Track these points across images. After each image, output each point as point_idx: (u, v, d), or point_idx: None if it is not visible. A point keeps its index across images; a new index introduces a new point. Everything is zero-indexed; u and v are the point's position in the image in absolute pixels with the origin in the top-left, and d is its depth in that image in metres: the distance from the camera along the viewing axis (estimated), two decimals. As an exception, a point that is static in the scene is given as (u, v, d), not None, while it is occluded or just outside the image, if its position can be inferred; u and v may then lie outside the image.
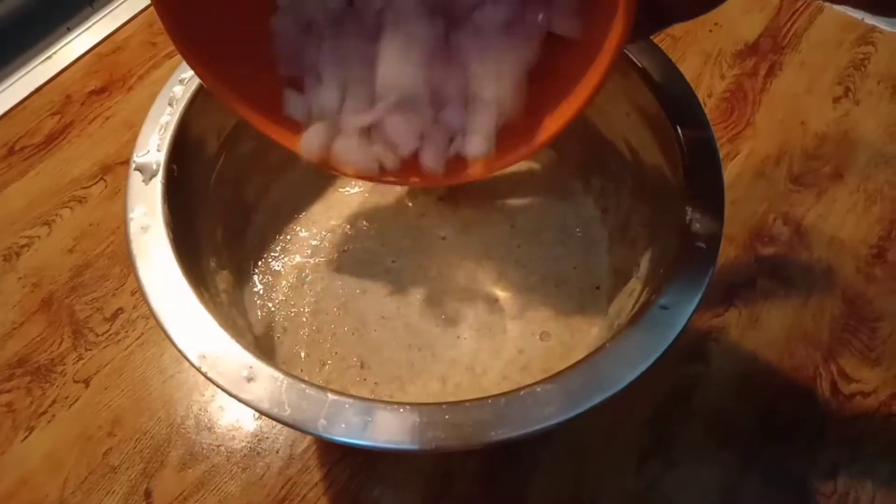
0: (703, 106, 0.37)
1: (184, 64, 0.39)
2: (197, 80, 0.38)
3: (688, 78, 0.38)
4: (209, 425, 0.45)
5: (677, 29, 0.64)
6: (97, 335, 0.49)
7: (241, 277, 0.44)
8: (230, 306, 0.40)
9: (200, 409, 0.46)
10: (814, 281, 0.50)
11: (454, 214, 0.48)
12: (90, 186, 0.57)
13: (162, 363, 0.48)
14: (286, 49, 0.36)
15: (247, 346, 0.30)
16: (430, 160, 0.36)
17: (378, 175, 0.37)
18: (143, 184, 0.35)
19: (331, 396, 0.28)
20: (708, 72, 0.62)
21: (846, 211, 0.53)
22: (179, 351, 0.30)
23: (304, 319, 0.44)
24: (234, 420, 0.45)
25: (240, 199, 0.46)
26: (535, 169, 0.50)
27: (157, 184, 0.35)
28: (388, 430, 0.28)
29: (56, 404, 0.46)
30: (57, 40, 0.66)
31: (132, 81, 0.63)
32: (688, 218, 0.34)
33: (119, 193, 0.56)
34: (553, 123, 0.34)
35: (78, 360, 0.48)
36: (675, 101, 0.37)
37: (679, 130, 0.36)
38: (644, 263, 0.39)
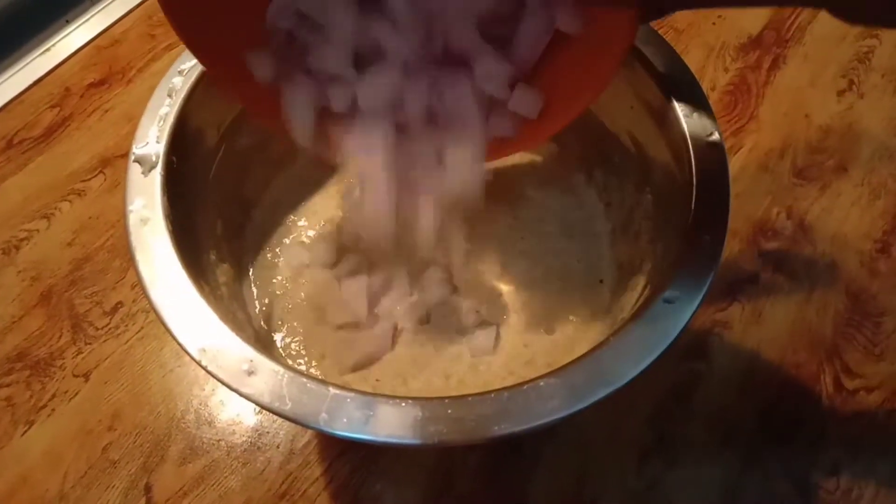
0: (707, 98, 0.37)
1: (183, 55, 0.39)
2: (196, 72, 0.38)
3: (692, 70, 0.38)
4: (209, 420, 0.45)
5: (680, 21, 0.63)
6: (97, 329, 0.49)
7: (241, 270, 0.44)
8: (230, 299, 0.39)
9: (200, 404, 0.46)
10: (817, 276, 0.49)
11: (456, 207, 0.47)
12: (89, 179, 0.56)
13: (162, 357, 0.47)
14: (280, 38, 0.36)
15: (247, 340, 0.30)
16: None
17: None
18: (142, 176, 0.35)
19: (332, 390, 0.28)
20: (711, 65, 0.61)
21: (850, 205, 0.53)
22: (180, 345, 0.30)
23: (304, 313, 0.43)
24: (234, 414, 0.45)
25: (239, 191, 0.45)
26: (537, 162, 0.50)
27: (157, 176, 0.35)
28: (389, 424, 0.27)
29: (56, 398, 0.46)
30: (56, 33, 0.66)
31: (131, 74, 0.63)
32: (692, 212, 0.33)
33: (118, 186, 0.56)
34: (558, 119, 0.34)
35: (77, 354, 0.48)
36: (679, 94, 0.37)
37: (684, 123, 0.36)
38: (648, 257, 0.39)
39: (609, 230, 0.46)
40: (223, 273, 0.40)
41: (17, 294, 0.51)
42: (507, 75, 0.35)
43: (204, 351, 0.29)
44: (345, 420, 0.28)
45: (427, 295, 0.42)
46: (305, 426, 0.29)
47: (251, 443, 0.44)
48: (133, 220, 0.33)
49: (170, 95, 0.37)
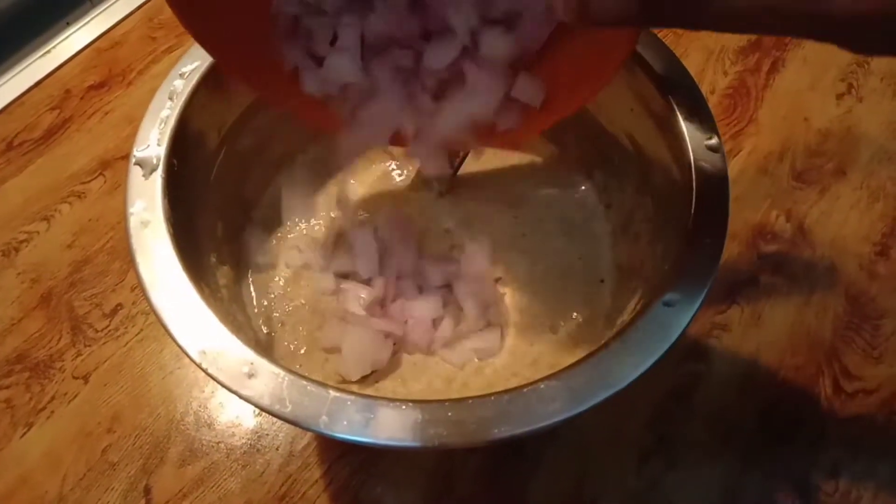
0: (706, 101, 0.37)
1: (184, 58, 0.39)
2: (197, 75, 0.38)
3: (690, 73, 0.38)
4: (209, 422, 0.45)
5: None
6: (96, 331, 0.49)
7: (241, 272, 0.44)
8: (230, 302, 0.39)
9: (200, 406, 0.46)
10: (816, 278, 0.49)
11: (456, 207, 0.47)
12: (89, 181, 0.56)
13: (161, 359, 0.47)
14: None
15: (247, 342, 0.30)
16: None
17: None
18: (143, 178, 0.35)
19: (332, 393, 0.28)
20: (711, 68, 0.61)
21: (849, 208, 0.53)
22: (180, 347, 0.30)
23: (304, 315, 0.43)
24: (233, 417, 0.45)
25: (240, 193, 0.46)
26: (537, 163, 0.50)
27: (158, 178, 0.35)
28: (389, 427, 0.27)
29: (55, 400, 0.46)
30: (56, 35, 0.66)
31: (131, 76, 0.63)
32: (691, 215, 0.33)
33: (118, 189, 0.56)
34: (557, 111, 0.34)
35: (77, 357, 0.48)
36: (679, 97, 0.37)
37: (683, 126, 0.36)
38: (647, 259, 0.39)
39: (609, 231, 0.46)
40: (223, 275, 0.40)
41: (17, 296, 0.51)
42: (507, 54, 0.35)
43: (204, 353, 0.29)
44: (345, 423, 0.28)
45: (430, 297, 0.42)
46: (306, 429, 0.29)
47: (251, 445, 0.44)
48: (134, 222, 0.33)
49: (171, 98, 0.37)
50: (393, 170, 0.50)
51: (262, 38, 0.35)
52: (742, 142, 0.56)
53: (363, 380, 0.40)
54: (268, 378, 0.29)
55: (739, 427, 0.44)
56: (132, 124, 0.59)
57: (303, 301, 0.44)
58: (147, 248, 0.33)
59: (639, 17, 0.24)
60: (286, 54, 0.36)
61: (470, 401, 0.28)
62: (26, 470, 0.44)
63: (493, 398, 0.28)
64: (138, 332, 0.49)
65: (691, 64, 0.61)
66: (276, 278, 0.45)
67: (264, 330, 0.42)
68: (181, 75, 0.38)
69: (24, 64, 0.64)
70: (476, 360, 0.41)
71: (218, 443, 0.44)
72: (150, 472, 0.43)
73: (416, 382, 0.41)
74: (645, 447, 0.43)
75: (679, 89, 0.37)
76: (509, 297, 0.44)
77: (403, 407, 0.28)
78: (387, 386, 0.40)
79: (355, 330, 0.40)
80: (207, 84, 0.38)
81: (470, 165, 0.48)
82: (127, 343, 0.48)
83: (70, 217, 0.55)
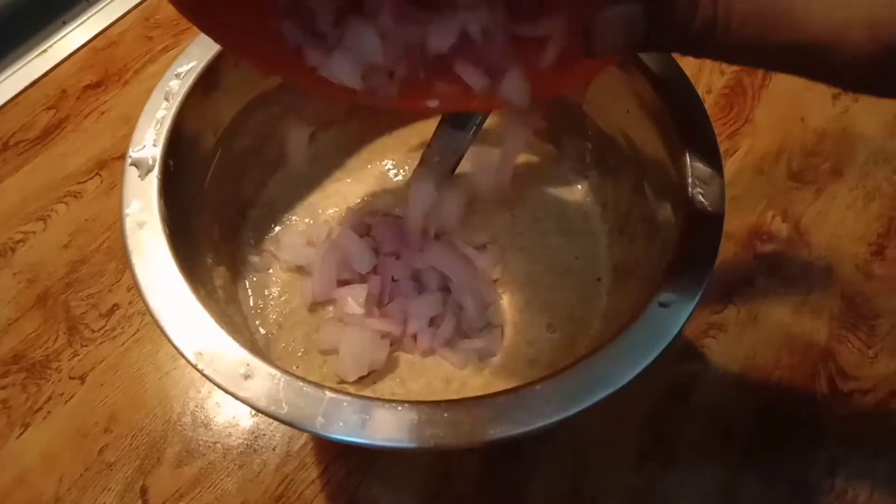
0: (702, 102, 0.37)
1: (180, 58, 0.39)
2: (193, 76, 0.38)
3: (686, 73, 0.38)
4: (205, 422, 0.45)
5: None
6: (93, 331, 0.49)
7: (237, 273, 0.44)
8: (227, 303, 0.39)
9: (197, 406, 0.46)
10: (813, 278, 0.50)
11: (453, 206, 0.47)
12: (86, 181, 0.56)
13: (158, 360, 0.47)
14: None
15: (244, 344, 0.30)
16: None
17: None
18: (139, 179, 0.35)
19: (328, 394, 0.28)
20: (707, 68, 0.61)
21: (845, 208, 0.53)
22: (176, 348, 0.30)
23: (301, 317, 0.43)
24: (230, 417, 0.45)
25: (236, 194, 0.45)
26: (534, 162, 0.50)
27: (154, 179, 0.35)
28: (386, 428, 0.27)
29: (51, 401, 0.46)
30: (52, 34, 0.66)
31: (128, 76, 0.63)
32: (687, 215, 0.33)
33: (115, 188, 0.56)
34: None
35: (73, 357, 0.48)
36: (675, 97, 0.37)
37: (679, 127, 0.36)
38: (643, 260, 0.39)
39: (606, 231, 0.46)
40: (220, 276, 0.40)
41: (13, 296, 0.51)
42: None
43: (200, 355, 0.29)
44: (341, 424, 0.28)
45: (429, 296, 0.42)
46: (302, 430, 0.29)
47: (247, 445, 0.44)
48: (130, 223, 0.33)
49: (167, 99, 0.37)
50: (389, 169, 0.50)
51: (263, 18, 0.34)
52: (738, 142, 0.57)
53: (361, 380, 0.40)
54: (264, 379, 0.29)
55: (737, 426, 0.44)
56: (128, 124, 0.59)
57: (299, 302, 0.44)
58: (143, 248, 0.33)
59: (642, 47, 0.25)
60: (288, 33, 0.35)
61: (466, 402, 0.28)
62: (23, 470, 0.44)
63: (489, 399, 0.28)
64: (135, 333, 0.49)
65: (687, 63, 0.60)
66: (273, 280, 0.45)
67: (261, 331, 0.42)
68: (177, 75, 0.38)
69: (20, 63, 0.64)
70: (477, 359, 0.41)
71: (214, 443, 0.44)
72: (147, 472, 0.43)
73: (415, 383, 0.41)
74: (643, 447, 0.43)
75: (675, 89, 0.37)
76: (507, 296, 0.44)
77: (399, 408, 0.28)
78: (385, 386, 0.40)
79: (352, 331, 0.40)
80: (203, 84, 0.38)
81: (467, 165, 0.47)
82: (123, 343, 0.48)
83: (66, 217, 0.54)
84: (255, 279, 0.44)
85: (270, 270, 0.45)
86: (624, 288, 0.42)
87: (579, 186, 0.48)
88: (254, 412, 0.45)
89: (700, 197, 0.34)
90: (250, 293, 0.44)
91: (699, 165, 0.35)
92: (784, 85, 0.60)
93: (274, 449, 0.44)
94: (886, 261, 0.50)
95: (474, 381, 0.40)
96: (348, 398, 0.28)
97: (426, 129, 0.46)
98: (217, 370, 0.29)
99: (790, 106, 0.59)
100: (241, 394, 0.29)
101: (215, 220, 0.42)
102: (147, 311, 0.31)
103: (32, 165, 0.57)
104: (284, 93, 0.44)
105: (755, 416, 0.44)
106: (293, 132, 0.46)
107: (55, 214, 0.55)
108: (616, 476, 0.43)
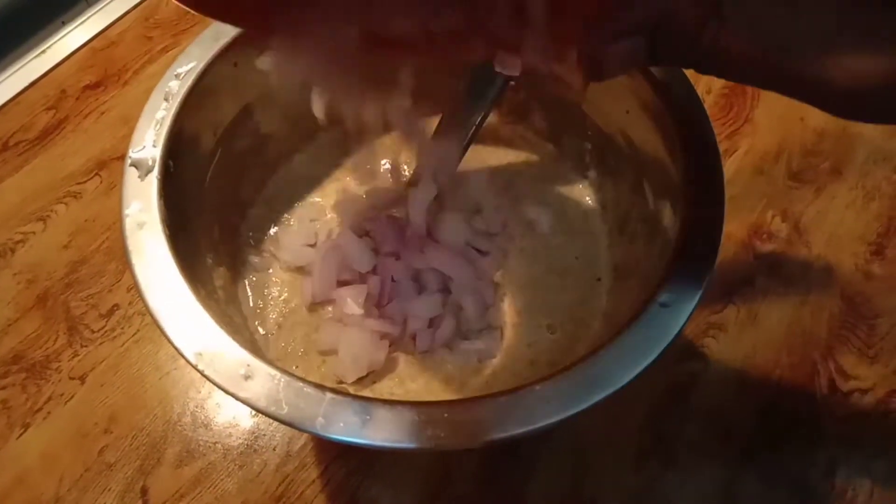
0: (702, 102, 0.37)
1: (180, 58, 0.39)
2: (193, 76, 0.38)
3: (686, 74, 0.38)
4: (206, 422, 0.45)
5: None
6: (93, 332, 0.49)
7: (237, 273, 0.44)
8: (227, 303, 0.39)
9: (197, 406, 0.46)
10: (812, 278, 0.50)
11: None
12: (85, 182, 0.56)
13: (158, 360, 0.47)
14: None
15: (244, 344, 0.30)
16: None
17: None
18: (138, 180, 0.35)
19: (329, 395, 0.28)
20: (707, 68, 0.61)
21: (845, 207, 0.53)
22: (176, 349, 0.30)
23: (301, 317, 0.43)
24: (230, 417, 0.45)
25: (236, 194, 0.46)
26: (534, 161, 0.50)
27: (153, 180, 0.35)
28: (386, 428, 0.27)
29: (51, 401, 0.46)
30: (51, 34, 0.66)
31: (127, 76, 0.63)
32: (687, 215, 0.33)
33: (114, 189, 0.56)
34: None
35: (73, 357, 0.48)
36: (674, 97, 0.37)
37: (679, 127, 0.36)
38: (643, 260, 0.39)
39: (605, 231, 0.46)
40: (220, 276, 0.40)
41: (13, 297, 0.51)
42: None
43: (201, 355, 0.30)
44: (341, 424, 0.28)
45: (429, 297, 0.42)
46: (302, 430, 0.29)
47: (247, 445, 0.44)
48: (130, 224, 0.33)
49: (166, 99, 0.37)
50: (389, 169, 0.50)
51: None
52: (738, 141, 0.57)
53: (360, 380, 0.40)
54: (264, 380, 0.29)
55: (736, 426, 0.44)
56: (128, 124, 0.59)
57: (299, 303, 0.44)
58: (143, 249, 0.33)
59: (645, 63, 0.26)
60: None
61: (466, 402, 0.28)
62: (23, 471, 0.44)
63: (489, 399, 0.28)
64: (135, 333, 0.49)
65: (688, 63, 0.61)
66: (273, 280, 0.45)
67: (261, 331, 0.42)
68: (177, 76, 0.38)
69: (19, 63, 0.64)
70: (476, 361, 0.41)
71: (215, 443, 0.44)
72: (147, 472, 0.43)
73: (414, 383, 0.41)
74: (643, 447, 0.43)
75: (675, 89, 0.37)
76: (508, 296, 0.44)
77: (399, 408, 0.28)
78: (384, 386, 0.40)
79: (351, 331, 0.40)
80: (203, 85, 0.38)
81: (466, 164, 0.47)
82: (123, 343, 0.48)
83: (66, 217, 0.54)
84: (254, 279, 0.44)
85: (270, 270, 0.45)
86: (624, 288, 0.42)
87: (579, 186, 0.48)
88: (254, 412, 0.45)
89: (700, 197, 0.34)
90: (250, 293, 0.44)
91: (699, 165, 0.35)
92: (783, 84, 0.60)
93: (274, 449, 0.44)
94: (886, 260, 0.50)
95: (474, 382, 0.40)
96: (348, 398, 0.28)
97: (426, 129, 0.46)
98: (217, 371, 0.29)
99: (790, 106, 0.58)
100: (242, 394, 0.29)
101: (215, 221, 0.42)
102: (147, 312, 0.31)
103: (32, 166, 0.57)
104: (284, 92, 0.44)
105: (755, 416, 0.44)
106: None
107: (55, 215, 0.55)
108: (616, 476, 0.43)
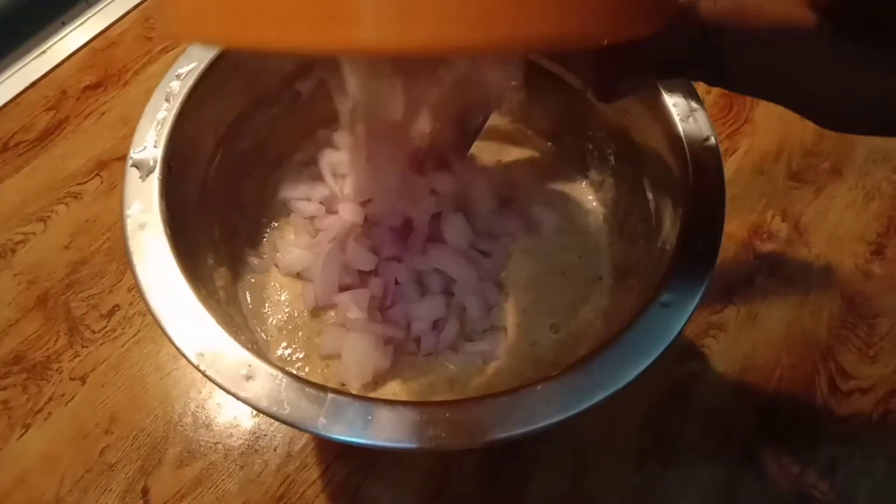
0: (702, 102, 0.37)
1: (180, 59, 0.39)
2: (194, 76, 0.38)
3: (688, 74, 0.38)
4: (207, 423, 0.45)
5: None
6: (93, 332, 0.49)
7: (238, 274, 0.44)
8: (228, 304, 0.39)
9: (198, 407, 0.46)
10: (812, 278, 0.50)
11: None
12: (86, 182, 0.56)
13: (159, 360, 0.47)
14: None
15: (245, 344, 0.30)
16: None
17: None
18: (140, 180, 0.35)
19: (330, 395, 0.28)
20: (707, 68, 0.61)
21: (845, 207, 0.53)
22: (178, 349, 0.30)
23: (302, 320, 0.43)
24: (231, 417, 0.45)
25: (237, 195, 0.45)
26: (535, 160, 0.50)
27: (155, 180, 0.35)
28: (388, 428, 0.27)
29: (52, 402, 0.46)
30: (51, 35, 0.66)
31: (127, 76, 0.63)
32: (687, 215, 0.33)
33: (115, 189, 0.56)
34: None
35: (74, 358, 0.48)
36: (675, 97, 0.37)
37: (679, 127, 0.36)
38: (643, 259, 0.39)
39: (606, 231, 0.46)
40: (221, 277, 0.40)
41: (14, 297, 0.51)
42: None
43: (202, 355, 0.29)
44: (343, 424, 0.28)
45: (432, 299, 0.42)
46: (304, 431, 0.29)
47: (248, 445, 0.44)
48: (131, 224, 0.33)
49: (167, 100, 0.37)
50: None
51: None
52: (738, 141, 0.57)
53: (364, 384, 0.40)
54: (266, 380, 0.29)
55: (736, 426, 0.44)
56: (128, 125, 0.59)
57: (300, 305, 0.44)
58: (144, 250, 0.33)
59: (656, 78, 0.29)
60: None
61: (467, 402, 0.28)
62: (24, 471, 0.44)
63: (490, 399, 0.28)
64: (135, 333, 0.49)
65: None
66: (273, 282, 0.45)
67: (261, 334, 0.42)
68: (177, 76, 0.38)
69: (19, 64, 0.64)
70: (480, 362, 0.41)
71: (216, 443, 0.44)
72: (148, 473, 0.43)
73: (417, 383, 0.41)
74: (643, 447, 0.43)
75: (676, 89, 0.37)
76: (511, 297, 0.44)
77: (401, 408, 0.28)
78: (388, 389, 0.40)
79: (355, 337, 0.40)
80: (204, 85, 0.38)
81: (467, 164, 0.48)
82: (124, 344, 0.48)
83: (67, 218, 0.54)
84: (254, 281, 0.44)
85: (270, 272, 0.45)
86: (625, 287, 0.42)
87: (580, 185, 0.48)
88: (255, 412, 0.45)
89: (700, 197, 0.34)
90: (250, 295, 0.44)
91: (699, 165, 0.35)
92: (783, 85, 0.60)
93: (275, 449, 0.44)
94: (886, 260, 0.50)
95: (477, 382, 0.41)
96: (350, 399, 0.28)
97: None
98: (219, 371, 0.29)
99: (789, 105, 0.59)
100: (243, 394, 0.29)
101: (216, 221, 0.42)
102: (148, 312, 0.31)
103: (32, 166, 0.57)
104: (285, 93, 0.44)
105: (755, 416, 0.44)
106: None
107: (55, 215, 0.55)
108: (616, 476, 0.43)
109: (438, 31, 0.18)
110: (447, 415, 0.28)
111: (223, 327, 0.31)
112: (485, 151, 0.49)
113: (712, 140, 0.35)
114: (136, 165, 0.35)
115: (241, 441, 0.44)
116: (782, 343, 0.47)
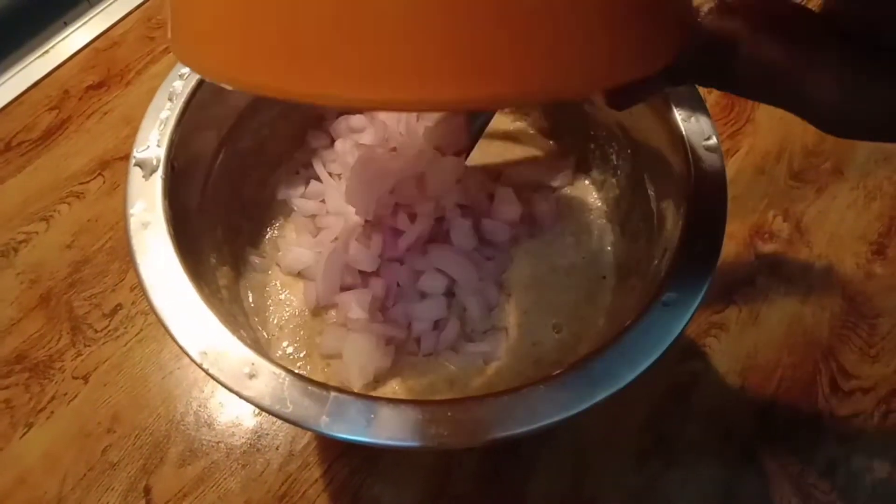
0: (704, 102, 0.37)
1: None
2: (197, 76, 0.38)
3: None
4: (209, 422, 0.45)
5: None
6: (96, 331, 0.49)
7: (241, 273, 0.44)
8: (231, 302, 0.39)
9: (200, 406, 0.46)
10: (814, 278, 0.50)
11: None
12: (88, 182, 0.56)
13: (161, 359, 0.48)
14: None
15: (248, 343, 0.30)
16: None
17: None
18: (143, 179, 0.35)
19: (333, 393, 0.28)
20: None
21: (846, 207, 0.53)
22: (181, 348, 0.30)
23: (304, 319, 0.43)
24: (233, 416, 0.45)
25: (240, 194, 0.46)
26: (537, 158, 0.50)
27: (158, 179, 0.35)
28: (390, 427, 0.28)
29: (55, 401, 0.46)
30: (54, 35, 0.66)
31: (130, 76, 0.63)
32: (689, 215, 0.33)
33: (117, 189, 0.56)
34: None
35: (77, 357, 0.48)
36: (677, 98, 0.37)
37: (681, 127, 0.36)
38: (645, 259, 0.39)
39: (609, 230, 0.46)
40: (223, 276, 0.40)
41: (16, 296, 0.51)
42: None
43: (205, 354, 0.30)
44: (346, 423, 0.28)
45: (433, 299, 0.42)
46: (307, 429, 0.29)
47: (250, 444, 0.44)
48: (134, 223, 0.33)
49: (170, 99, 0.37)
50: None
51: None
52: (740, 141, 0.57)
53: (365, 384, 0.41)
54: (268, 378, 0.29)
55: (737, 426, 0.44)
56: (130, 124, 0.59)
57: (302, 305, 0.44)
58: (147, 249, 0.33)
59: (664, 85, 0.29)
60: None
61: (469, 401, 0.28)
62: (26, 470, 0.44)
63: (492, 398, 0.28)
64: (138, 332, 0.49)
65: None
66: (275, 281, 0.45)
67: (263, 333, 0.42)
68: (181, 76, 0.38)
69: (22, 64, 0.64)
70: (481, 363, 0.41)
71: (218, 442, 0.44)
72: (150, 471, 0.43)
73: (417, 383, 0.41)
74: (643, 447, 0.43)
75: (677, 89, 0.37)
76: (512, 297, 0.44)
77: (403, 407, 0.28)
78: (388, 387, 0.40)
79: (356, 337, 0.40)
80: (207, 84, 0.38)
81: (468, 163, 0.48)
82: (127, 343, 0.48)
83: (69, 217, 0.55)
84: (256, 280, 0.45)
85: (273, 272, 0.45)
86: (627, 286, 0.42)
87: (582, 184, 0.48)
88: (257, 411, 0.45)
89: (701, 197, 0.34)
90: (252, 294, 0.44)
91: (701, 165, 0.35)
92: (785, 85, 0.60)
93: (277, 448, 0.44)
94: (887, 260, 0.50)
95: (477, 382, 0.41)
96: (352, 397, 0.28)
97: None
98: (222, 369, 0.29)
99: (791, 106, 0.59)
100: (246, 393, 0.29)
101: (218, 221, 0.42)
102: (151, 311, 0.31)
103: (35, 166, 0.58)
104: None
105: (756, 416, 0.45)
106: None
107: (58, 215, 0.55)
108: (616, 476, 0.43)
109: (451, 89, 0.18)
110: (449, 413, 0.28)
111: (226, 326, 0.31)
112: (486, 151, 0.49)
113: (714, 140, 0.35)
114: (140, 165, 0.35)
115: (244, 440, 0.44)
116: (783, 343, 0.47)
